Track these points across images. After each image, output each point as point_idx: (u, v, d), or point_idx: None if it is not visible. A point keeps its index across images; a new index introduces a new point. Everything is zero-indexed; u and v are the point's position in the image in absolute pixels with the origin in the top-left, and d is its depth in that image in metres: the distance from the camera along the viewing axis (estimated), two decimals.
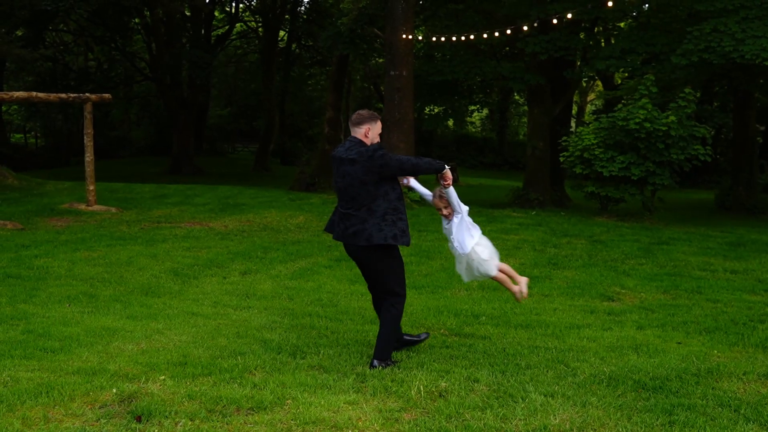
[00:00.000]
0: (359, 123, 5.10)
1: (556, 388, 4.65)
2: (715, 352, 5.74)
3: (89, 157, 14.29)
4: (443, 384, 4.66)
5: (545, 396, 4.50)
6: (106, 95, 15.25)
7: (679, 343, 6.04)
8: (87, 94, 14.83)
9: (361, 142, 5.07)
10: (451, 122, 39.26)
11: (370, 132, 5.09)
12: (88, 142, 14.36)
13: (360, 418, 4.07)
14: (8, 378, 4.59)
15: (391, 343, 5.21)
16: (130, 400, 4.21)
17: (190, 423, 3.94)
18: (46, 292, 7.43)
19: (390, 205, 5.04)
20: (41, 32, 28.02)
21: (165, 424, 3.91)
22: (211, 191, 16.89)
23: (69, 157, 33.42)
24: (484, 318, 6.74)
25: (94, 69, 35.65)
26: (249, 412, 4.12)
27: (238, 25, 36.16)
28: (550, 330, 6.37)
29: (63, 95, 15.48)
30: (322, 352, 5.39)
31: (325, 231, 5.58)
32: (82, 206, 14.02)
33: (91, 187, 14.11)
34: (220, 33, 35.52)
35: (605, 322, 6.78)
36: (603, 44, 20.50)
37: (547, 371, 5.06)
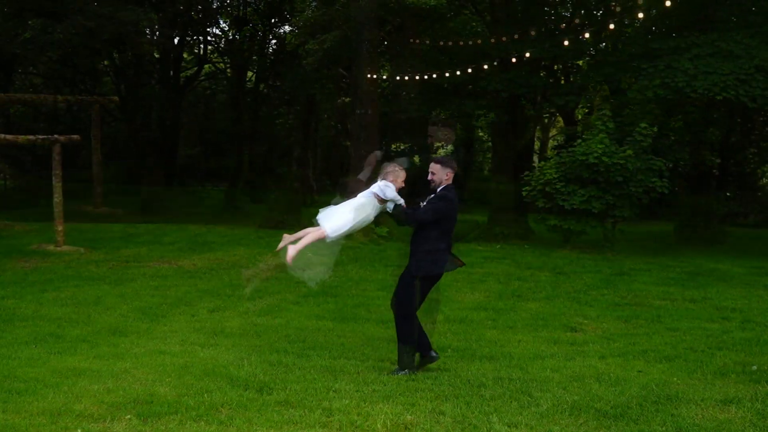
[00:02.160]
0: None
1: (520, 418, 4.77)
2: (675, 379, 5.92)
3: (57, 198, 14.21)
4: (409, 417, 4.74)
5: (509, 426, 4.61)
6: (75, 136, 15.21)
7: (640, 371, 6.21)
8: (55, 136, 14.79)
9: None
10: (417, 159, 39.64)
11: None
12: (57, 184, 14.28)
13: None
14: None
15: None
16: None
17: None
18: (13, 334, 7.36)
19: None
20: (10, 75, 27.93)
21: None
22: (180, 230, 16.83)
23: (39, 198, 32.96)
24: (449, 351, 6.86)
25: (63, 111, 35.40)
26: None
27: (206, 66, 36.36)
28: (514, 361, 6.50)
29: (31, 137, 15.42)
30: (289, 387, 5.45)
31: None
32: (51, 247, 13.89)
33: (60, 228, 13.99)
34: (188, 74, 35.63)
35: (568, 352, 6.94)
36: (563, 81, 21.08)
37: (511, 402, 5.18)
